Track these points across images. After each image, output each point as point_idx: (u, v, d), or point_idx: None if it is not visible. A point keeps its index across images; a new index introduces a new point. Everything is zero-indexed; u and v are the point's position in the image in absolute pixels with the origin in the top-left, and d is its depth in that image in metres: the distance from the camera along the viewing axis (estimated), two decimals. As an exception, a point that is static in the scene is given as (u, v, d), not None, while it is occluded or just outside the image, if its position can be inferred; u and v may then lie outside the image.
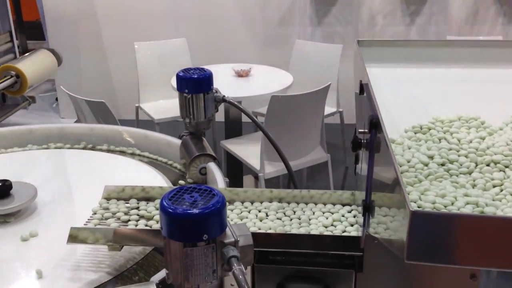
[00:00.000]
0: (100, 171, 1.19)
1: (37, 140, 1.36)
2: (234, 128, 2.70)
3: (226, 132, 2.74)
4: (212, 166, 1.14)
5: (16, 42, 3.98)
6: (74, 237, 0.80)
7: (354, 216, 0.84)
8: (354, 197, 0.91)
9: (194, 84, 1.24)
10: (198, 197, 0.67)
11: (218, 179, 1.07)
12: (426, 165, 0.74)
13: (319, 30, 3.77)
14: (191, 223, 0.64)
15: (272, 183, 2.68)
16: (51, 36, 4.08)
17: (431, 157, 0.75)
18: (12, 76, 3.20)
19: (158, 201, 0.93)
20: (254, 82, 2.80)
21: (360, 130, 0.76)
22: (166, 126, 2.97)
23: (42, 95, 4.93)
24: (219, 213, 0.65)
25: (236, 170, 2.62)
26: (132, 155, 1.31)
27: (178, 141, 1.28)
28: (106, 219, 0.88)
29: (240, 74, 2.77)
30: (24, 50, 3.95)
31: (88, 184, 1.12)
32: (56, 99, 4.69)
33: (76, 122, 4.22)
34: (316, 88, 2.25)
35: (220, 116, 3.24)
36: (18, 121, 4.19)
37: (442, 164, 0.72)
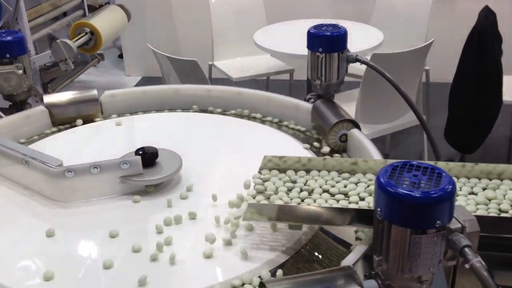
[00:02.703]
0: (234, 137, 1.11)
1: (151, 103, 1.29)
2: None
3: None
4: (357, 133, 1.04)
5: (85, -1, 3.92)
6: (251, 214, 0.73)
7: None
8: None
9: (329, 43, 1.14)
10: (423, 177, 0.58)
11: (369, 147, 0.97)
12: None
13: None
14: (427, 208, 0.55)
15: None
16: (117, -10, 4.01)
17: None
18: (86, 33, 3.16)
19: (323, 173, 0.84)
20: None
21: None
22: (243, 85, 2.88)
23: (103, 51, 4.91)
24: (452, 196, 0.56)
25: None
26: (254, 119, 1.23)
27: (307, 105, 1.19)
28: (268, 195, 0.81)
29: (325, 31, 2.61)
30: (89, 6, 3.89)
31: (225, 151, 1.05)
32: (119, 56, 4.67)
33: (140, 82, 4.18)
34: (406, 44, 2.10)
35: (303, 74, 3.10)
36: (87, 79, 4.20)
37: None
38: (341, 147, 1.07)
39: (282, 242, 0.76)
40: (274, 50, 2.51)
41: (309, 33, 1.15)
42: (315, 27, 1.16)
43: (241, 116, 1.24)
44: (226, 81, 2.99)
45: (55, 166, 0.84)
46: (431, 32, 2.97)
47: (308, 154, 1.03)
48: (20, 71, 1.09)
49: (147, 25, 4.10)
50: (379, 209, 0.58)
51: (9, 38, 1.10)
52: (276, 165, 0.86)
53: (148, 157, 0.89)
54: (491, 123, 2.47)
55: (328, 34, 1.13)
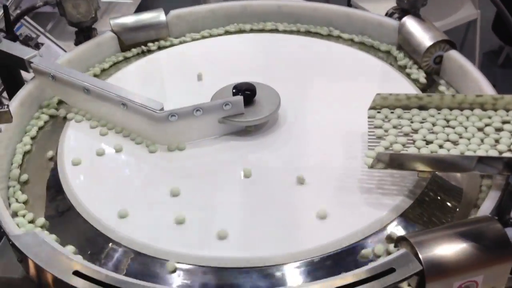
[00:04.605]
0: (322, 62, 1.03)
1: (218, 22, 1.20)
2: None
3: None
4: (457, 55, 0.98)
5: None
6: (377, 162, 0.70)
7: None
8: None
9: None
10: None
11: (475, 73, 0.92)
12: None
13: None
14: None
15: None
16: None
17: None
18: None
19: (445, 111, 0.80)
20: None
21: None
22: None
23: None
24: None
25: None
26: (329, 36, 1.15)
27: (392, 21, 1.10)
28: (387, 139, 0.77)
29: None
30: None
31: (317, 79, 0.99)
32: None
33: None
34: None
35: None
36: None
37: None
38: (434, 70, 1.02)
39: (401, 185, 0.74)
40: None
41: None
42: None
43: (320, 34, 1.16)
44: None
45: (158, 110, 0.80)
46: None
47: (410, 86, 0.96)
48: (89, -4, 1.01)
49: None
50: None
51: (73, -41, 1.00)
52: (390, 104, 0.82)
53: (248, 95, 0.85)
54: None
55: None
